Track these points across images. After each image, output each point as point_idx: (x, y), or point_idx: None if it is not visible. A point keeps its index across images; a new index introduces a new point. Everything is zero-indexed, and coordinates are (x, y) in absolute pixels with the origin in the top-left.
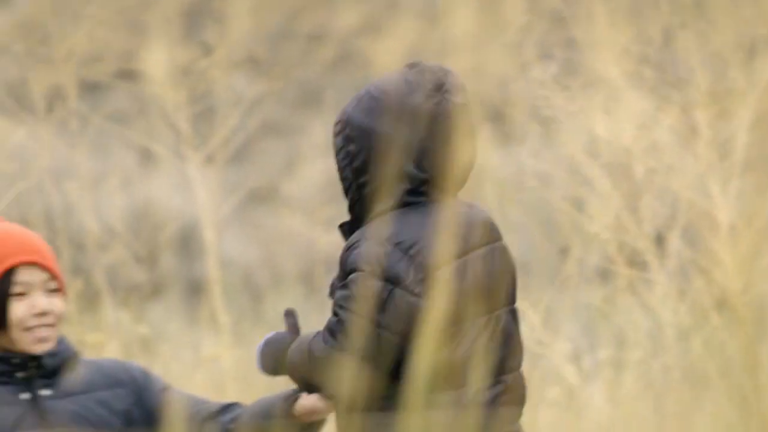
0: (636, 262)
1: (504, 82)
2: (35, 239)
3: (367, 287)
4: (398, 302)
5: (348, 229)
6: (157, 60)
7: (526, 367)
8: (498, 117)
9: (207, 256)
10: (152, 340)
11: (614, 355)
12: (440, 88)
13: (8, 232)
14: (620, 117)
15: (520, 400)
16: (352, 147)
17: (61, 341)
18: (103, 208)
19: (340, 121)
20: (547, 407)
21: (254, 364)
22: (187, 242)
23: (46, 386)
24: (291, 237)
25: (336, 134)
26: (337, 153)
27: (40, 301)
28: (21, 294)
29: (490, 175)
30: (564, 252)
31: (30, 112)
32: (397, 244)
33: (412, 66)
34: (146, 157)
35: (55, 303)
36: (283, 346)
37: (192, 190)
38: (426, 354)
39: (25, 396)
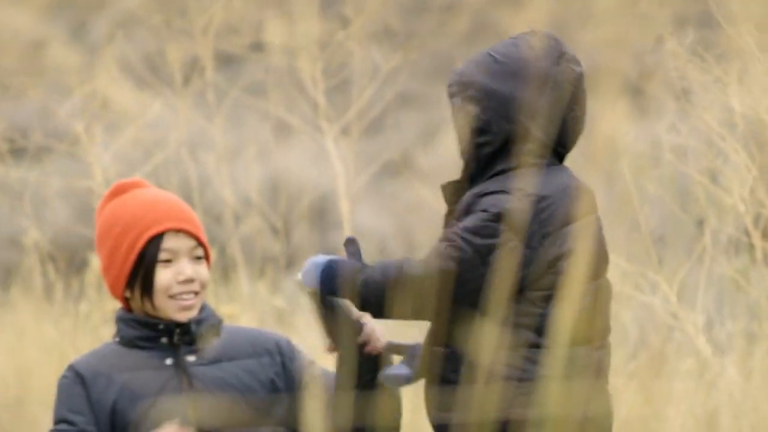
0: None
1: (640, 55)
2: (183, 206)
3: (490, 228)
4: (513, 251)
5: (452, 190)
6: (293, 32)
7: (660, 339)
8: (635, 90)
9: (342, 228)
10: (287, 312)
11: (748, 326)
12: (563, 55)
13: (158, 198)
14: (756, 89)
15: (609, 365)
16: (473, 108)
17: (205, 308)
18: (238, 180)
19: (458, 83)
20: (681, 379)
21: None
22: (323, 214)
23: (192, 352)
24: (425, 208)
25: (453, 95)
26: (455, 113)
27: (186, 268)
28: (167, 261)
29: (626, 149)
30: (700, 224)
31: (167, 85)
32: (527, 196)
33: (532, 33)
34: (282, 129)
35: (201, 271)
36: (351, 269)
37: (327, 162)
38: (567, 315)
39: (169, 361)
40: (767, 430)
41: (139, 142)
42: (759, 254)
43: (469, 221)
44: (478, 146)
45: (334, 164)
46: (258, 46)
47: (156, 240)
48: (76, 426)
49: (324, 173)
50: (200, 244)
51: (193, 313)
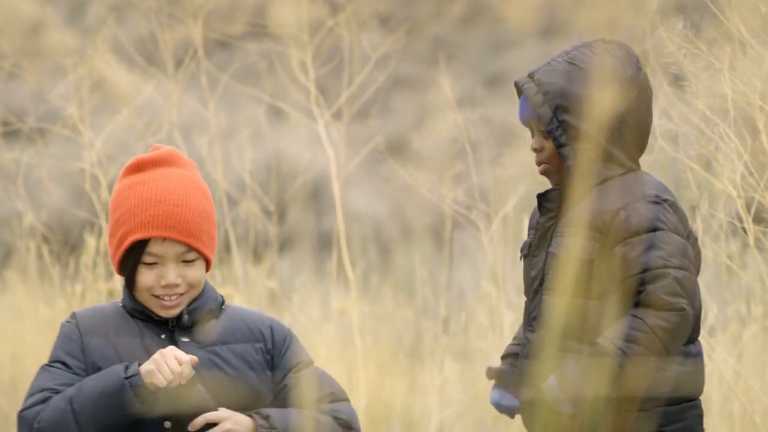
0: (763, 218)
1: (633, 40)
2: (181, 208)
3: (674, 242)
4: (696, 250)
5: (549, 198)
6: (287, 17)
7: None
8: None
9: (336, 211)
10: (281, 294)
11: (739, 310)
12: (638, 62)
13: (157, 197)
14: (747, 75)
15: None
16: (566, 116)
17: (204, 292)
18: (232, 163)
19: (540, 93)
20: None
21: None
22: (316, 197)
23: (186, 334)
24: (419, 192)
25: (538, 105)
26: (548, 122)
27: (169, 274)
28: (152, 263)
29: None
30: (692, 210)
31: (160, 68)
32: (665, 201)
33: (607, 41)
34: (276, 112)
35: (189, 273)
36: (580, 368)
37: (321, 145)
38: (561, 303)
39: (164, 336)
40: (758, 413)
41: (131, 125)
42: (751, 239)
43: (661, 250)
44: (575, 153)
45: (327, 147)
46: (250, 31)
47: (142, 243)
48: (70, 369)
49: (318, 156)
50: (192, 248)
51: (175, 312)
